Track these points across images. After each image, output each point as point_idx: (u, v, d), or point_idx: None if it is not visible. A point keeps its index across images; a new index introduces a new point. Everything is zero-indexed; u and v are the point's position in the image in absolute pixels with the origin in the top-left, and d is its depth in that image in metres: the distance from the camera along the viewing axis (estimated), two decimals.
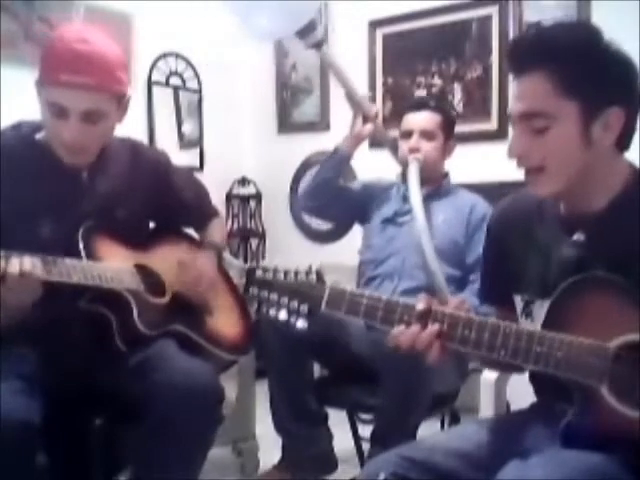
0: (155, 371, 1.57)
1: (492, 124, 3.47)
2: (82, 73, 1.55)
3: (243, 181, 4.27)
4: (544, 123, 1.18)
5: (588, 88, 1.16)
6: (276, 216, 4.28)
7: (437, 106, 2.41)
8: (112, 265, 1.65)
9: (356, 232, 2.62)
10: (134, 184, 1.78)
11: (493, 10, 3.45)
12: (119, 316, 1.63)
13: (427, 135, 2.33)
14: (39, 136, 1.67)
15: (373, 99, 2.42)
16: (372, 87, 3.79)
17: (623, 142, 1.23)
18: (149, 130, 3.78)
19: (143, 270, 1.73)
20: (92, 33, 1.63)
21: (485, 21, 3.49)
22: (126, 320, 1.63)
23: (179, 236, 1.96)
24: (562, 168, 1.20)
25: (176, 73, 3.94)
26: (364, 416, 2.40)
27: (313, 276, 1.26)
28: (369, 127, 2.35)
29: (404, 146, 2.34)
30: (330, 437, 2.24)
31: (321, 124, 4.10)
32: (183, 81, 3.98)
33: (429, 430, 2.09)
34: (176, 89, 3.95)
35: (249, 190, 4.29)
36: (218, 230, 2.04)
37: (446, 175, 2.43)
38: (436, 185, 2.37)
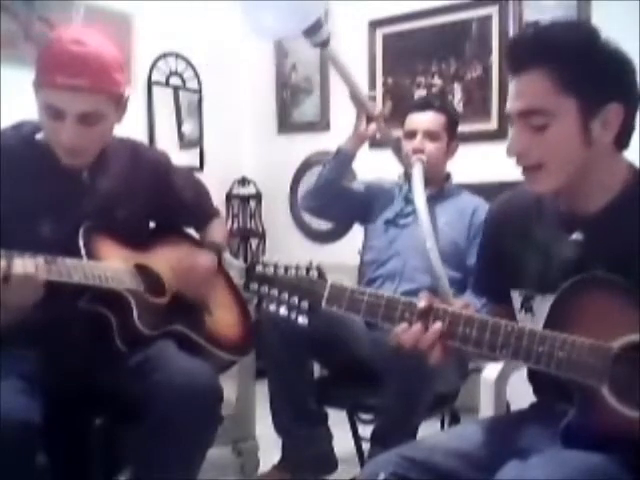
0: (155, 371, 1.57)
1: (492, 124, 3.48)
2: (78, 75, 1.54)
3: (243, 181, 4.27)
4: (543, 120, 1.18)
5: (587, 85, 1.17)
6: (276, 216, 4.28)
7: (441, 106, 2.39)
8: (112, 265, 1.65)
9: (356, 232, 2.61)
10: (134, 184, 1.77)
11: (493, 10, 3.46)
12: (119, 316, 1.63)
13: (431, 136, 2.32)
14: (39, 136, 1.67)
15: (375, 99, 2.40)
16: (372, 87, 3.80)
17: (622, 140, 1.23)
18: (149, 130, 3.79)
19: (143, 270, 1.73)
20: (88, 34, 1.62)
21: (485, 21, 3.49)
22: (126, 320, 1.63)
23: (179, 236, 1.96)
24: (561, 165, 1.20)
25: (176, 73, 3.94)
26: (364, 416, 2.40)
27: (314, 272, 1.25)
28: (373, 127, 2.34)
29: (408, 146, 2.34)
30: (330, 437, 2.24)
31: (321, 124, 4.10)
32: (183, 81, 3.98)
33: (429, 430, 2.09)
34: (176, 89, 3.95)
35: (249, 190, 4.29)
36: (219, 230, 2.04)
37: (448, 176, 2.43)
38: (438, 186, 2.37)
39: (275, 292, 1.26)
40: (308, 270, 1.26)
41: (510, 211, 1.39)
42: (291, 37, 3.43)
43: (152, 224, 1.93)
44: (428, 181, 2.26)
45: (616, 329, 1.13)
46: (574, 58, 1.17)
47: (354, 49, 3.73)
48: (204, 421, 1.58)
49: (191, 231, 2.03)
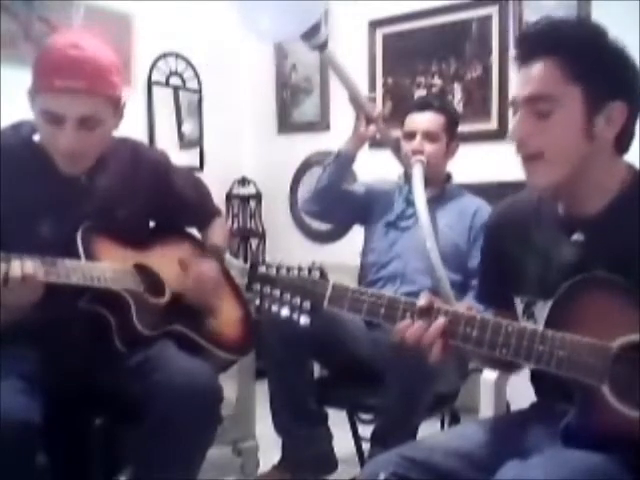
0: (155, 371, 1.57)
1: (492, 124, 3.48)
2: (75, 77, 1.53)
3: (243, 181, 4.27)
4: (549, 107, 1.19)
5: (594, 79, 1.18)
6: (276, 216, 4.28)
7: (441, 106, 2.38)
8: (111, 265, 1.65)
9: (356, 232, 2.61)
10: (134, 184, 1.77)
11: (493, 10, 3.46)
12: (118, 317, 1.63)
13: (431, 136, 2.31)
14: (36, 137, 1.66)
15: (374, 100, 2.39)
16: (372, 87, 3.80)
17: (622, 143, 1.23)
18: (149, 130, 3.79)
19: (143, 270, 1.73)
20: (85, 38, 1.61)
21: (485, 21, 3.49)
22: (125, 321, 1.63)
23: (180, 235, 1.96)
24: (562, 156, 1.20)
25: (176, 73, 3.94)
26: (364, 416, 2.40)
27: (316, 272, 1.26)
28: (372, 129, 2.33)
29: (407, 147, 2.33)
30: (330, 437, 2.24)
31: (321, 124, 4.10)
32: (183, 81, 3.98)
33: (429, 430, 2.09)
34: (176, 89, 3.95)
35: (249, 190, 4.29)
36: (220, 229, 2.04)
37: (448, 177, 2.43)
38: (439, 188, 2.36)
39: (277, 292, 1.26)
40: (310, 271, 1.26)
41: (510, 217, 1.39)
42: (289, 40, 3.43)
43: (152, 224, 1.93)
44: (428, 182, 2.25)
45: (616, 329, 1.13)
46: (585, 52, 1.19)
47: (354, 49, 3.73)
48: (204, 421, 1.58)
49: (193, 230, 2.03)
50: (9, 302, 1.43)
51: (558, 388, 1.18)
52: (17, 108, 1.71)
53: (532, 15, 3.30)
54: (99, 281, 1.58)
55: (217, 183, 3.71)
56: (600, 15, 2.91)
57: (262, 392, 2.32)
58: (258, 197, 4.30)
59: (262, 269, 1.28)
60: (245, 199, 4.27)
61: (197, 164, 4.01)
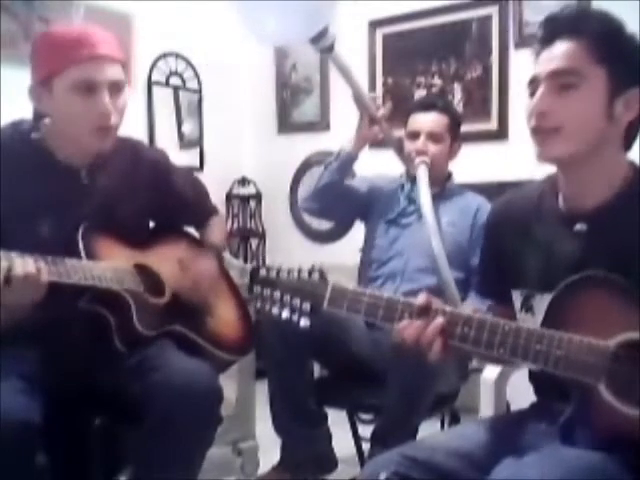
0: (154, 371, 1.57)
1: (492, 124, 3.47)
2: (98, 46, 1.58)
3: (243, 181, 4.27)
4: (574, 80, 1.21)
5: (618, 64, 1.20)
6: (276, 216, 4.29)
7: (445, 107, 2.38)
8: (112, 265, 1.65)
9: (356, 232, 2.61)
10: (134, 183, 1.77)
11: (493, 10, 3.46)
12: (118, 317, 1.63)
13: (434, 137, 2.31)
14: (35, 135, 1.66)
15: (378, 100, 2.38)
16: (372, 87, 3.80)
17: (629, 137, 1.25)
18: (149, 130, 3.79)
19: (143, 270, 1.73)
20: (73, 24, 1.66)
21: (485, 21, 3.49)
22: (125, 321, 1.63)
23: (179, 235, 1.96)
24: (579, 132, 1.21)
25: (176, 73, 3.94)
26: (364, 416, 2.41)
27: (316, 274, 1.27)
28: (376, 129, 2.33)
29: (410, 147, 2.32)
30: (330, 437, 2.24)
31: (321, 124, 4.10)
32: (183, 81, 3.98)
33: (429, 430, 2.09)
34: (176, 89, 3.95)
35: (249, 190, 4.29)
36: (218, 228, 2.03)
37: (449, 175, 2.43)
38: (440, 186, 2.36)
39: (278, 295, 1.28)
40: (310, 273, 1.27)
41: (510, 211, 1.40)
42: (297, 44, 3.42)
43: (152, 223, 1.93)
44: (430, 181, 2.25)
45: (613, 327, 1.14)
46: (609, 38, 1.22)
47: (354, 49, 3.73)
48: (204, 421, 1.57)
49: (191, 230, 2.03)
50: (11, 301, 1.43)
51: (557, 387, 1.19)
52: (17, 108, 1.72)
53: (532, 15, 3.31)
54: (99, 281, 1.58)
55: (217, 183, 3.72)
56: None
57: (262, 392, 2.32)
58: (258, 197, 4.30)
59: (263, 272, 1.29)
60: (245, 199, 4.27)
61: (197, 164, 4.01)
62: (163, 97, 3.89)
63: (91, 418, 1.68)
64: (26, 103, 1.67)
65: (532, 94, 1.25)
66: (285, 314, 1.27)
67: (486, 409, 1.76)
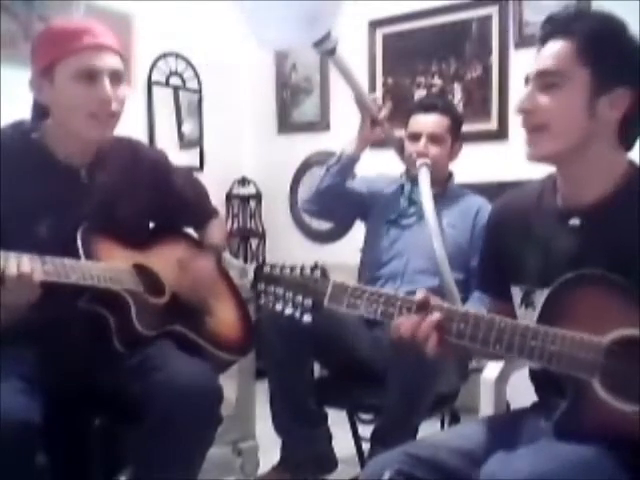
0: (154, 371, 1.57)
1: (492, 124, 3.48)
2: (100, 36, 1.61)
3: (243, 181, 4.28)
4: (557, 79, 1.24)
5: (605, 66, 1.23)
6: (276, 216, 4.29)
7: (446, 108, 2.38)
8: (111, 265, 1.65)
9: (356, 232, 2.61)
10: (133, 183, 1.77)
11: (493, 10, 3.46)
12: (117, 317, 1.63)
13: (435, 139, 2.30)
14: (35, 135, 1.66)
15: (380, 101, 2.38)
16: (372, 87, 3.80)
17: (627, 135, 1.27)
18: (149, 130, 3.79)
19: (142, 270, 1.73)
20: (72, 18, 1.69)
21: (485, 21, 3.49)
22: (124, 321, 1.63)
23: (179, 236, 1.96)
24: (564, 129, 1.25)
25: (176, 73, 3.94)
26: (364, 416, 2.40)
27: (318, 272, 1.30)
28: (378, 131, 2.33)
29: (411, 148, 2.32)
30: (330, 437, 2.24)
31: (321, 124, 4.10)
32: (183, 81, 3.98)
33: (429, 430, 2.09)
34: (176, 89, 3.95)
35: (249, 190, 4.29)
36: (218, 229, 2.03)
37: (450, 175, 2.43)
38: (441, 187, 2.36)
39: (280, 291, 1.31)
40: (312, 270, 1.30)
41: (511, 208, 1.42)
42: (299, 49, 3.41)
43: (152, 224, 1.93)
44: (431, 182, 2.24)
45: (609, 324, 1.15)
46: (598, 35, 1.24)
47: (354, 49, 3.73)
48: (204, 421, 1.57)
49: (190, 231, 2.03)
50: (6, 302, 1.43)
51: (555, 385, 1.20)
52: (17, 108, 1.72)
53: (532, 15, 3.31)
54: (98, 281, 1.58)
55: (217, 183, 3.72)
56: None
57: (262, 392, 2.32)
58: (258, 197, 4.30)
59: (267, 269, 1.33)
60: (245, 199, 4.27)
61: (197, 164, 4.01)
62: (163, 97, 3.89)
63: (91, 418, 1.68)
64: (26, 103, 1.67)
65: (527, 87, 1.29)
66: (288, 310, 1.30)
67: (486, 409, 1.76)
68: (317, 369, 2.36)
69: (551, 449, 1.13)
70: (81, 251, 1.61)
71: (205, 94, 4.08)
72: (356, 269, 2.47)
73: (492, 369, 1.77)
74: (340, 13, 2.17)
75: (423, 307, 1.22)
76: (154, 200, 1.82)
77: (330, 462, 2.23)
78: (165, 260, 1.80)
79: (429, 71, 3.69)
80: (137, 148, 1.84)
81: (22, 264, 1.42)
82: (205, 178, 2.11)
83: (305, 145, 4.13)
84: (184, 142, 3.99)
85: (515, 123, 1.34)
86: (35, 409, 1.43)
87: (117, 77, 1.63)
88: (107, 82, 1.60)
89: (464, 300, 2.14)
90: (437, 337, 1.20)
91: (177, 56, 3.93)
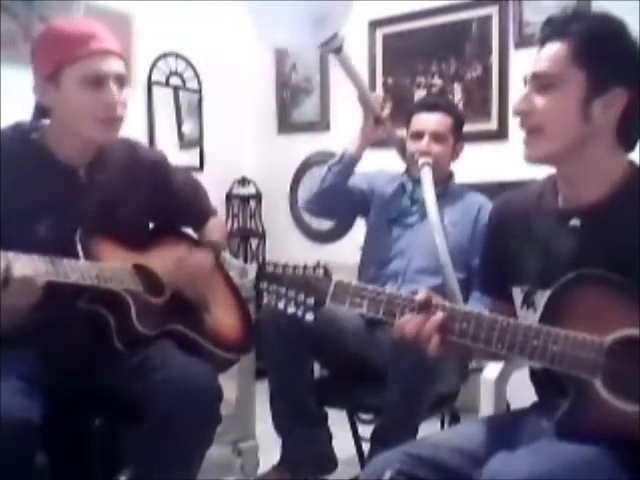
0: (154, 371, 1.57)
1: (492, 124, 3.48)
2: (106, 41, 1.62)
3: (243, 181, 4.27)
4: (552, 82, 1.24)
5: (601, 68, 1.23)
6: (276, 216, 4.29)
7: (449, 108, 2.38)
8: (111, 265, 1.65)
9: (356, 232, 2.61)
10: (132, 183, 1.77)
11: (493, 10, 3.46)
12: (117, 317, 1.63)
13: (438, 138, 2.30)
14: (35, 136, 1.66)
15: (382, 101, 2.38)
16: (372, 87, 3.79)
17: (626, 136, 1.26)
18: (149, 130, 3.79)
19: (142, 270, 1.73)
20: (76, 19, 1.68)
21: (485, 21, 3.49)
22: (124, 320, 1.63)
23: (178, 236, 1.96)
24: (559, 131, 1.25)
25: (176, 73, 3.94)
26: (364, 416, 2.40)
27: (320, 271, 1.30)
28: (380, 130, 2.33)
29: (413, 147, 2.32)
30: (330, 437, 2.24)
31: (321, 124, 4.10)
32: (183, 81, 3.98)
33: (429, 430, 2.08)
34: (176, 89, 3.95)
35: (249, 190, 4.29)
36: (217, 229, 2.04)
37: (451, 174, 2.43)
38: (443, 186, 2.35)
39: (283, 290, 1.31)
40: (315, 269, 1.31)
41: (511, 209, 1.42)
42: (307, 50, 3.41)
43: (151, 224, 1.93)
44: (433, 181, 2.24)
45: (610, 324, 1.15)
46: (594, 37, 1.24)
47: (354, 49, 3.72)
48: (204, 421, 1.58)
49: (190, 231, 2.03)
50: (8, 304, 1.43)
51: (557, 385, 1.20)
52: (17, 108, 1.72)
53: (532, 15, 3.31)
54: (98, 281, 1.58)
55: (217, 183, 3.72)
56: None
57: (262, 392, 2.32)
58: (258, 197, 4.30)
59: (269, 268, 1.33)
60: (245, 199, 4.27)
61: (197, 164, 4.01)
62: (163, 97, 3.89)
63: (91, 418, 1.68)
64: (26, 103, 1.67)
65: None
66: (290, 309, 1.31)
67: (486, 409, 1.76)
68: (317, 369, 2.36)
69: (552, 449, 1.13)
70: (80, 251, 1.61)
71: (205, 94, 4.08)
72: (356, 269, 2.47)
73: (492, 369, 1.77)
74: (349, 13, 2.16)
75: (425, 306, 1.23)
76: (153, 200, 1.82)
77: (330, 462, 2.23)
78: (165, 260, 1.80)
79: (429, 71, 3.69)
80: (136, 148, 1.84)
81: (25, 267, 1.42)
82: (205, 178, 2.11)
83: (305, 145, 4.13)
84: (184, 142, 3.99)
85: (515, 123, 1.34)
86: (35, 409, 1.43)
87: (121, 81, 1.64)
88: (113, 87, 1.61)
89: (466, 299, 2.14)
90: (440, 337, 1.20)
91: (177, 56, 3.93)
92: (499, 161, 3.24)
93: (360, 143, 2.36)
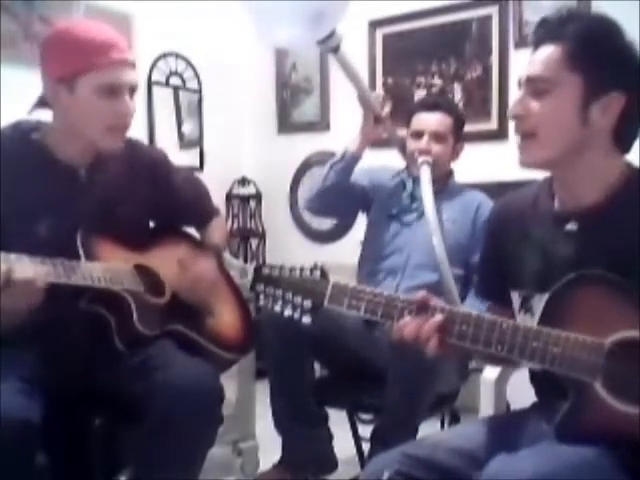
0: (155, 371, 1.57)
1: (492, 124, 3.48)
2: (124, 51, 1.62)
3: (243, 181, 4.27)
4: (547, 86, 1.23)
5: (596, 71, 1.21)
6: (276, 216, 4.29)
7: (450, 108, 2.39)
8: (111, 265, 1.65)
9: (356, 232, 2.61)
10: (133, 183, 1.77)
11: (493, 10, 3.46)
12: (118, 317, 1.63)
13: (438, 137, 2.31)
14: (36, 135, 1.66)
15: (382, 99, 2.39)
16: (372, 87, 3.79)
17: (623, 138, 1.25)
18: (149, 130, 3.79)
19: (143, 270, 1.73)
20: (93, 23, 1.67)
21: (485, 21, 3.49)
22: (125, 321, 1.63)
23: (179, 236, 1.96)
24: (554, 136, 1.24)
25: (176, 73, 3.94)
26: (364, 416, 2.40)
27: (317, 273, 1.29)
28: (380, 129, 2.34)
29: (413, 146, 2.33)
30: (330, 437, 2.24)
31: (321, 124, 4.10)
32: (183, 81, 3.98)
33: (429, 430, 2.08)
34: (176, 89, 3.95)
35: (249, 190, 4.29)
36: (219, 229, 2.04)
37: (451, 172, 2.43)
38: (442, 184, 2.36)
39: (280, 292, 1.30)
40: (312, 271, 1.30)
41: (508, 213, 1.41)
42: (305, 47, 3.41)
43: (152, 224, 1.93)
44: (432, 179, 2.25)
45: (610, 325, 1.15)
46: (588, 40, 1.22)
47: (354, 49, 3.72)
48: (205, 421, 1.57)
49: (191, 230, 2.03)
50: (8, 306, 1.42)
51: (556, 386, 1.19)
52: (17, 108, 1.71)
53: (532, 15, 3.31)
54: (99, 281, 1.58)
55: (217, 183, 3.71)
56: None
57: (262, 392, 2.32)
58: (258, 197, 4.30)
59: (266, 270, 1.32)
60: (245, 199, 4.27)
61: (197, 164, 4.01)
62: (163, 97, 3.89)
63: (91, 418, 1.68)
64: (26, 103, 1.67)
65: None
66: (287, 312, 1.30)
67: (486, 409, 1.76)
68: (317, 369, 2.36)
69: (553, 450, 1.13)
70: (81, 251, 1.61)
71: (205, 94, 4.08)
72: (356, 269, 2.47)
73: (492, 369, 1.77)
74: (346, 11, 2.17)
75: (423, 308, 1.22)
76: (154, 200, 1.82)
77: (330, 462, 2.23)
78: (165, 260, 1.80)
79: (429, 71, 3.69)
80: (137, 148, 1.84)
81: (26, 269, 1.42)
82: (205, 178, 2.11)
83: (305, 145, 4.13)
84: (184, 142, 3.99)
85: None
86: (35, 409, 1.43)
87: (133, 90, 1.65)
88: (128, 97, 1.62)
89: (463, 297, 2.15)
90: (439, 339, 1.20)
91: (177, 56, 3.93)
92: (499, 161, 3.22)
93: (360, 142, 2.37)
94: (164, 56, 3.86)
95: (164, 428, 1.51)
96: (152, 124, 3.80)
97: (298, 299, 1.28)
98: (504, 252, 1.37)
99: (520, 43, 3.36)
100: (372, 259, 2.38)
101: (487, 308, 1.47)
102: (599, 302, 1.18)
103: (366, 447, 2.18)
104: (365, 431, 2.23)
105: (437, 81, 3.68)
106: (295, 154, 4.15)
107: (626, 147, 1.27)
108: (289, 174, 4.19)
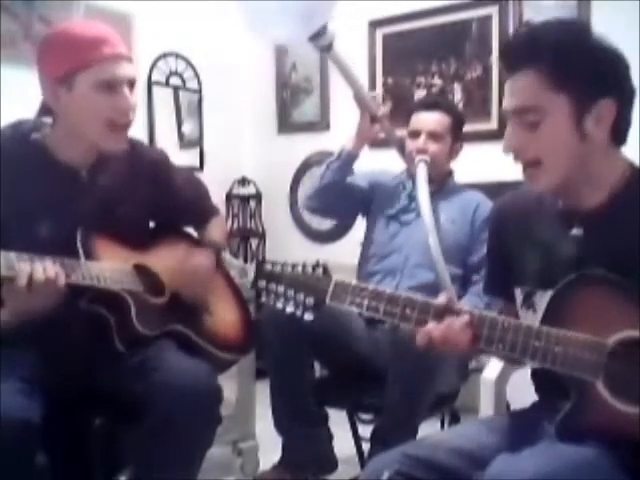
0: (154, 371, 1.57)
1: (492, 124, 3.48)
2: (117, 46, 1.62)
3: (243, 181, 4.27)
4: (536, 117, 1.20)
5: (577, 82, 1.19)
6: (276, 216, 4.29)
7: (448, 107, 2.39)
8: (111, 265, 1.65)
9: (356, 232, 2.61)
10: (133, 183, 1.77)
11: (493, 10, 3.46)
12: (118, 317, 1.63)
13: (435, 136, 2.31)
14: (36, 135, 1.66)
15: (379, 99, 2.40)
16: (372, 87, 3.80)
17: (618, 135, 1.25)
18: (149, 130, 3.79)
19: (142, 270, 1.73)
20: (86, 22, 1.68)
21: (485, 21, 3.49)
22: (125, 321, 1.63)
23: (179, 235, 1.96)
24: (558, 161, 1.22)
25: (176, 73, 3.94)
26: (364, 416, 2.40)
27: (320, 270, 1.29)
28: (376, 128, 2.34)
29: (411, 145, 2.33)
30: (330, 437, 2.24)
31: (321, 124, 4.10)
32: (183, 81, 3.98)
33: (429, 430, 2.08)
34: (176, 89, 3.95)
35: (249, 190, 4.29)
36: (218, 229, 2.03)
37: (450, 173, 2.43)
38: (441, 183, 2.36)
39: (282, 289, 1.30)
40: (314, 268, 1.30)
41: (512, 210, 1.41)
42: (296, 43, 3.42)
43: (152, 224, 1.93)
44: (430, 179, 2.25)
45: (612, 325, 1.15)
46: (564, 56, 1.19)
47: (354, 49, 3.73)
48: (204, 421, 1.58)
49: (191, 230, 2.03)
50: (30, 306, 1.44)
51: (557, 385, 1.19)
52: (17, 108, 1.71)
53: (532, 15, 3.31)
54: (99, 281, 1.58)
55: (217, 183, 3.71)
56: (600, 15, 2.91)
57: (262, 392, 2.32)
58: (258, 197, 4.30)
59: (268, 266, 1.32)
60: (245, 199, 4.27)
61: (197, 164, 4.01)
62: (163, 97, 3.89)
63: (91, 418, 1.68)
64: (26, 103, 1.67)
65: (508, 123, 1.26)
66: (289, 308, 1.30)
67: (486, 409, 1.76)
68: (317, 369, 2.36)
69: (555, 450, 1.12)
70: (81, 251, 1.61)
71: (205, 94, 4.08)
72: (356, 269, 2.47)
73: (492, 369, 1.77)
74: (336, 7, 2.18)
75: (445, 311, 1.22)
76: (154, 200, 1.82)
77: (330, 462, 2.23)
78: (165, 260, 1.80)
79: (429, 71, 3.69)
80: (137, 148, 1.84)
81: (48, 269, 1.43)
82: (205, 178, 2.11)
83: (305, 145, 4.13)
84: (184, 142, 3.99)
85: None
86: (35, 409, 1.43)
87: (132, 85, 1.64)
88: (127, 92, 1.61)
89: (461, 296, 2.15)
90: (472, 335, 1.20)
91: (177, 56, 3.93)
92: (499, 161, 3.22)
93: (357, 141, 2.37)
94: (164, 56, 3.87)
95: (163, 428, 1.51)
96: (152, 124, 3.80)
97: (300, 296, 1.28)
98: (508, 249, 1.37)
99: None
100: (372, 259, 2.38)
101: (486, 306, 1.47)
102: (601, 302, 1.18)
103: (366, 447, 2.18)
104: (365, 431, 2.23)
105: (437, 81, 3.68)
106: (295, 154, 4.15)
107: (622, 139, 1.26)
108: (289, 174, 4.19)
